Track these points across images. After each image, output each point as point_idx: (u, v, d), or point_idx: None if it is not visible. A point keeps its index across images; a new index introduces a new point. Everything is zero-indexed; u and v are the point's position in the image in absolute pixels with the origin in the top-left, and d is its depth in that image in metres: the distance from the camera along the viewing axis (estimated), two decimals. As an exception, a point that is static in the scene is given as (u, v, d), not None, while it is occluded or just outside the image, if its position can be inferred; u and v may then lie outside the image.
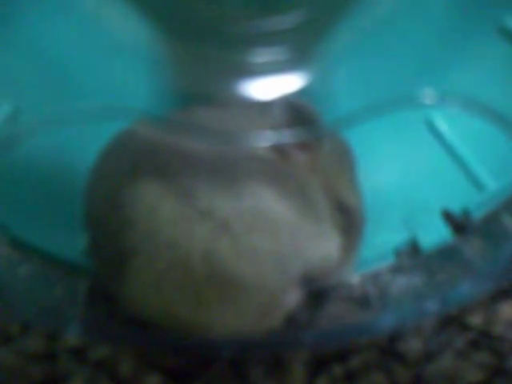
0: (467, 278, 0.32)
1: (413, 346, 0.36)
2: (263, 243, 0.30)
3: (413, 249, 0.37)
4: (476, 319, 0.37)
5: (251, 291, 0.30)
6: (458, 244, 0.36)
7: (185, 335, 0.31)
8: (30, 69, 0.36)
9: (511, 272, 0.32)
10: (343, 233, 0.34)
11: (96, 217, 0.32)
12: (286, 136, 0.30)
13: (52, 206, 0.35)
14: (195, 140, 0.30)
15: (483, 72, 0.36)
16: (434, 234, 0.37)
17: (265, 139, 0.30)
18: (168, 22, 0.37)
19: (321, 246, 0.33)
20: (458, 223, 0.37)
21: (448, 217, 0.37)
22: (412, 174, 0.38)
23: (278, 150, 0.32)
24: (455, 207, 0.37)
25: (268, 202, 0.30)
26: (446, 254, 0.36)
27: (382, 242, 0.37)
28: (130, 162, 0.31)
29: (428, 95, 0.30)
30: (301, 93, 0.35)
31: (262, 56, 0.35)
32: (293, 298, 0.33)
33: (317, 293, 0.35)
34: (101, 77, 0.36)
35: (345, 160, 0.35)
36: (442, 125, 0.39)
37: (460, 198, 0.37)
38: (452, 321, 0.37)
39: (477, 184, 0.37)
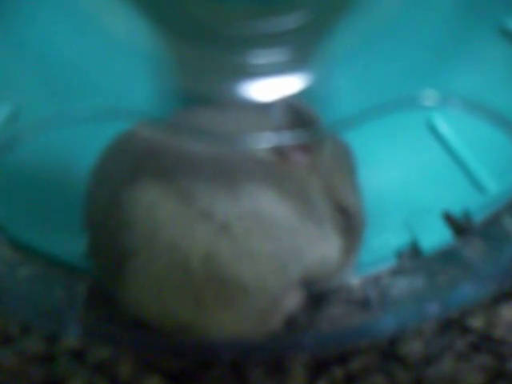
0: (468, 280, 0.32)
1: (413, 348, 0.35)
2: (263, 245, 0.30)
3: (414, 251, 0.37)
4: (477, 322, 0.36)
5: (251, 293, 0.30)
6: (459, 246, 0.36)
7: (184, 337, 0.30)
8: (31, 70, 0.36)
9: (512, 275, 0.32)
10: (343, 235, 0.33)
11: (96, 218, 0.32)
12: (286, 138, 0.30)
13: (52, 208, 0.35)
14: (195, 142, 0.30)
15: (484, 73, 0.36)
16: (435, 236, 0.37)
17: (265, 141, 0.30)
18: (169, 23, 0.37)
19: (321, 248, 0.32)
20: (459, 226, 0.37)
21: (449, 219, 0.37)
22: (413, 176, 0.38)
23: (278, 151, 0.32)
24: (456, 209, 0.37)
25: (268, 204, 0.30)
26: (446, 256, 0.36)
27: (382, 244, 0.37)
28: (130, 163, 0.31)
29: (429, 97, 0.29)
30: (301, 94, 0.35)
31: (262, 57, 0.35)
32: (293, 300, 0.33)
33: (317, 295, 0.35)
34: (101, 78, 0.36)
35: (345, 162, 0.35)
36: (444, 127, 0.39)
37: (461, 200, 0.37)
38: (453, 323, 0.36)
39: (478, 186, 0.37)
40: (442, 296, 0.32)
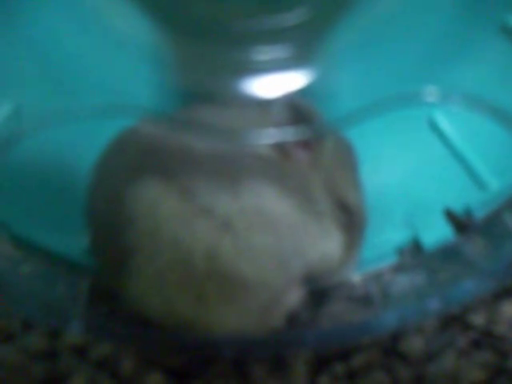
0: (469, 277, 0.32)
1: (415, 345, 0.35)
2: (264, 242, 0.30)
3: (415, 248, 0.37)
4: (478, 319, 0.36)
5: (252, 290, 0.30)
6: (460, 243, 0.36)
7: (186, 333, 0.30)
8: (32, 67, 0.36)
9: (514, 271, 0.32)
10: (345, 231, 0.34)
11: (98, 215, 0.32)
12: (288, 134, 0.30)
13: (54, 204, 0.35)
14: (197, 138, 0.30)
15: (485, 70, 0.36)
16: (436, 233, 0.37)
17: (266, 137, 0.30)
18: (171, 19, 0.37)
19: (322, 244, 0.33)
20: (461, 222, 0.37)
21: (450, 216, 0.37)
22: (414, 173, 0.38)
23: (280, 148, 0.32)
24: (457, 206, 0.37)
25: (269, 201, 0.30)
26: (448, 253, 0.36)
27: (383, 240, 0.37)
28: (132, 160, 0.31)
29: (430, 93, 0.30)
30: (303, 91, 0.35)
31: (264, 54, 0.35)
32: (294, 296, 0.33)
33: (318, 292, 0.35)
34: (103, 75, 0.36)
35: (347, 159, 0.35)
36: (445, 124, 0.39)
37: (462, 197, 0.37)
38: (454, 320, 0.36)
39: (479, 183, 0.37)
40: (443, 292, 0.32)
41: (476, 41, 0.37)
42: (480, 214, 0.36)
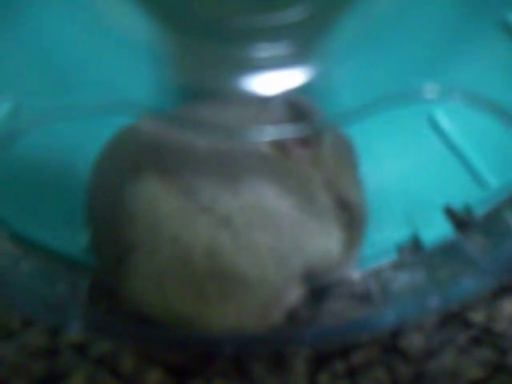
0: (469, 274, 0.32)
1: (414, 342, 0.36)
2: (264, 239, 0.30)
3: (415, 245, 0.37)
4: (478, 316, 0.37)
5: (252, 287, 0.30)
6: (460, 241, 0.36)
7: (186, 331, 0.31)
8: (32, 65, 0.36)
9: (513, 269, 0.32)
10: (345, 229, 0.34)
11: (97, 212, 0.32)
12: (288, 131, 0.30)
13: (53, 202, 0.35)
14: (197, 135, 0.30)
15: (485, 68, 0.36)
16: (436, 230, 0.37)
17: (266, 134, 0.30)
18: (170, 17, 0.37)
19: (322, 242, 0.33)
20: (460, 220, 0.37)
21: (450, 213, 0.37)
22: (414, 171, 0.38)
23: (280, 145, 0.32)
24: (457, 204, 0.37)
25: (269, 198, 0.30)
26: (447, 250, 0.36)
27: (383, 238, 0.37)
28: (133, 157, 0.31)
29: (430, 90, 0.30)
30: (303, 88, 0.35)
31: (264, 51, 0.35)
32: (294, 294, 0.33)
33: (318, 289, 0.35)
34: (103, 72, 0.36)
35: (347, 156, 0.35)
36: (445, 121, 0.39)
37: (462, 194, 0.37)
38: (454, 317, 0.36)
39: (479, 181, 0.37)
40: (443, 290, 0.32)
41: (476, 38, 0.37)
42: (480, 211, 0.36)
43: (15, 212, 0.34)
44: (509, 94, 0.31)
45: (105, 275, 0.32)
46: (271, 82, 0.35)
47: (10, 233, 0.34)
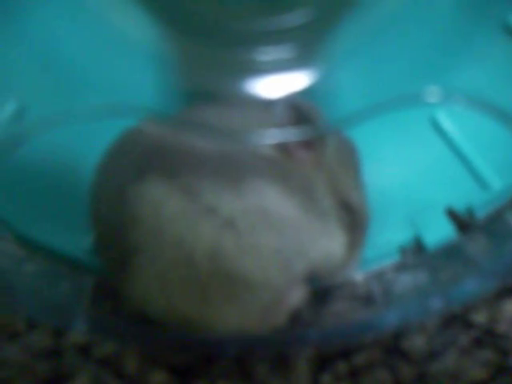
0: (471, 275, 0.32)
1: (417, 343, 0.36)
2: (267, 241, 0.30)
3: (417, 247, 0.37)
4: (480, 317, 0.37)
5: (255, 289, 0.30)
6: (463, 242, 0.36)
7: (189, 332, 0.31)
8: (36, 67, 0.36)
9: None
10: (348, 231, 0.34)
11: (102, 214, 0.32)
12: (291, 134, 0.30)
13: (58, 204, 0.35)
14: (201, 138, 0.30)
15: (488, 70, 0.36)
16: (439, 232, 0.37)
17: (269, 137, 0.30)
18: (174, 20, 0.37)
19: (325, 244, 0.33)
20: (463, 222, 0.37)
21: (452, 215, 0.37)
22: (417, 173, 0.38)
23: (283, 148, 0.32)
24: (460, 206, 0.37)
25: (272, 200, 0.30)
26: (450, 252, 0.36)
27: (386, 240, 0.37)
28: (136, 160, 0.31)
29: (432, 93, 0.30)
30: (306, 91, 0.35)
31: (267, 55, 0.35)
32: (297, 295, 0.33)
33: (321, 291, 0.35)
34: (107, 75, 0.36)
35: (349, 158, 0.35)
36: (447, 124, 0.39)
37: (464, 196, 0.37)
38: (456, 319, 0.37)
39: (481, 183, 0.37)
40: (445, 291, 0.32)
41: (478, 40, 0.37)
42: (482, 213, 0.37)
43: (19, 214, 0.34)
44: (511, 96, 0.31)
45: (108, 277, 0.33)
46: (274, 86, 0.35)
47: (15, 234, 0.34)
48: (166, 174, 0.30)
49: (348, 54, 0.36)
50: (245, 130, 0.30)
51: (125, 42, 0.37)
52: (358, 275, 0.36)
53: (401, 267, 0.37)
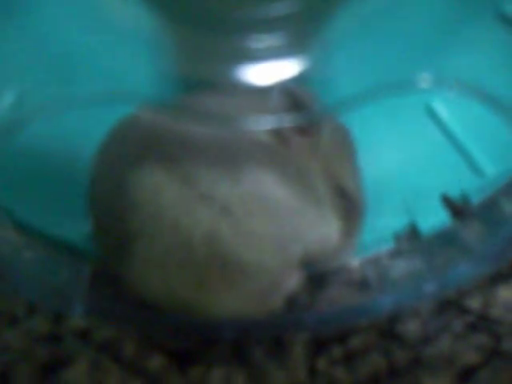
0: (465, 261, 0.33)
1: (411, 328, 0.36)
2: (263, 226, 0.30)
3: (412, 233, 0.38)
4: (474, 302, 0.37)
5: (252, 273, 0.30)
6: (457, 228, 0.36)
7: (187, 317, 0.31)
8: (33, 55, 0.36)
9: (509, 255, 0.33)
10: (343, 217, 0.34)
11: (100, 201, 0.32)
12: (285, 120, 0.31)
13: (56, 191, 0.35)
14: (196, 125, 0.31)
15: (482, 58, 0.36)
16: (433, 218, 0.37)
17: (265, 123, 0.30)
18: (169, 7, 0.37)
19: (320, 229, 0.33)
20: (457, 208, 0.37)
21: (447, 201, 0.37)
22: (411, 159, 0.38)
23: (278, 134, 0.32)
24: (454, 192, 0.37)
25: (268, 186, 0.31)
26: (444, 238, 0.36)
27: (381, 226, 0.37)
28: (134, 146, 0.31)
29: (427, 80, 0.30)
30: (300, 77, 0.35)
31: (261, 42, 0.35)
32: (293, 280, 0.33)
33: (317, 276, 0.35)
34: (103, 62, 0.36)
35: (345, 145, 0.35)
36: (442, 110, 0.39)
37: (459, 182, 0.37)
38: (450, 304, 0.37)
39: (476, 169, 0.38)
40: (440, 276, 0.33)
41: (473, 27, 0.37)
42: (476, 199, 0.37)
43: (18, 200, 0.35)
44: (505, 85, 0.31)
45: (107, 262, 0.33)
46: (268, 72, 0.35)
47: (14, 221, 0.34)
48: (164, 160, 0.30)
49: (341, 40, 0.36)
50: (240, 116, 0.30)
51: (121, 30, 0.37)
52: (354, 260, 0.36)
53: (396, 253, 0.37)
